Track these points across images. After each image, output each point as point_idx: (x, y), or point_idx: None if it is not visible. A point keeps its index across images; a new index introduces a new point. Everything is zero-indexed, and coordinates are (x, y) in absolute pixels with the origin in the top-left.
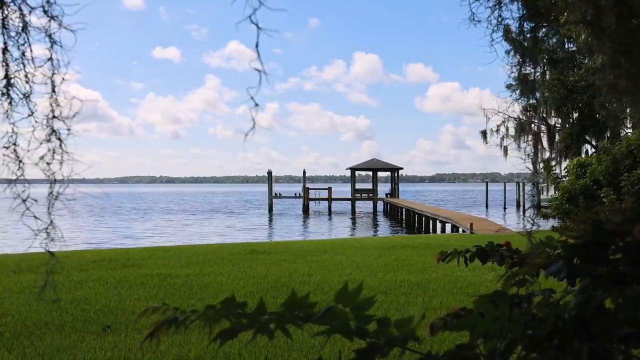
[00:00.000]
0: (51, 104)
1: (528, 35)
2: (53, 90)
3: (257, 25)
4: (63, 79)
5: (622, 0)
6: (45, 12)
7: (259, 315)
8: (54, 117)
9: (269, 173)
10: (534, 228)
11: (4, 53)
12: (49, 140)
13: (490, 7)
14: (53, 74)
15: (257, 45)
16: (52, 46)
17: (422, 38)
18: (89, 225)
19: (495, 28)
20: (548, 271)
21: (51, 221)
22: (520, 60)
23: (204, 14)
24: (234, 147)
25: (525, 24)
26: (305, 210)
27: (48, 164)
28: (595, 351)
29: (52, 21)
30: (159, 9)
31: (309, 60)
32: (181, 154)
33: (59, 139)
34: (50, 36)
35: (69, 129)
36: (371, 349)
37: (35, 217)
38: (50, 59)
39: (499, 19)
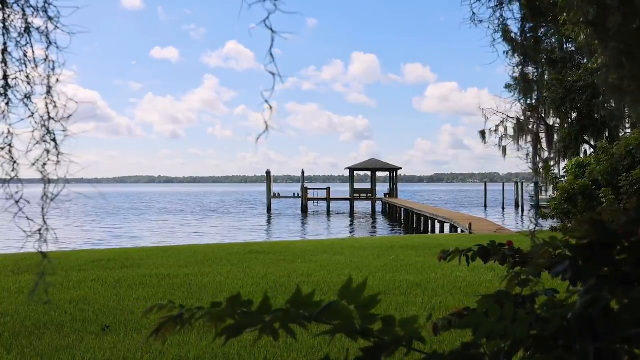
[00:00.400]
0: (47, 105)
1: (529, 35)
2: (49, 92)
3: (271, 29)
4: (57, 79)
5: (626, 0)
6: (45, 12)
7: (264, 312)
8: (49, 118)
9: (268, 173)
10: (537, 228)
11: (3, 54)
12: (44, 141)
13: (492, 8)
14: (49, 75)
15: (270, 49)
16: (48, 47)
17: (420, 38)
18: (86, 225)
19: (497, 28)
20: (554, 271)
21: (45, 222)
22: (522, 60)
23: (202, 14)
24: (233, 147)
25: (527, 24)
26: (304, 210)
27: (43, 165)
28: (601, 351)
29: (49, 22)
30: (157, 9)
31: (307, 60)
32: (180, 154)
33: (54, 140)
34: (47, 36)
35: (64, 130)
36: (378, 347)
37: (28, 219)
38: (46, 59)
39: (501, 19)
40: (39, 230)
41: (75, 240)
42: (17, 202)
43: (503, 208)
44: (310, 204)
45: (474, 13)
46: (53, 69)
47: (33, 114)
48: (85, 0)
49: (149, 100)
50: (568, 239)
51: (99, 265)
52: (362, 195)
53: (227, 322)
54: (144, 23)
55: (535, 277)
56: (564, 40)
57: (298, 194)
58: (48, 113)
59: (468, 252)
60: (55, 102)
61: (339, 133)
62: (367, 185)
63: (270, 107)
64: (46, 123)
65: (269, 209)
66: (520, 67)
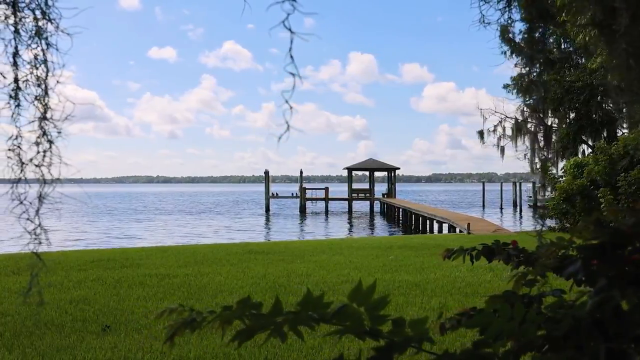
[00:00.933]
0: (43, 106)
1: (535, 35)
2: (46, 93)
3: (290, 30)
4: (58, 81)
5: (634, 2)
6: (43, 13)
7: (276, 315)
8: (44, 118)
9: (266, 173)
10: (544, 228)
11: (14, 57)
12: (39, 143)
13: (500, 10)
14: (47, 75)
15: (290, 50)
16: (47, 48)
17: (418, 38)
18: (84, 225)
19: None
20: (566, 272)
21: (39, 223)
22: (528, 62)
23: (200, 14)
24: (231, 147)
25: (531, 25)
26: (302, 210)
27: (37, 166)
28: (613, 351)
29: (49, 23)
30: (154, 9)
31: (304, 60)
32: (178, 153)
33: (50, 141)
34: (46, 38)
35: (59, 132)
36: (389, 347)
37: (29, 219)
38: (45, 61)
39: (509, 21)
40: (34, 230)
41: (75, 240)
42: (21, 202)
43: (501, 208)
44: (308, 203)
45: (483, 15)
46: (50, 70)
47: (45, 115)
48: (83, 0)
49: (147, 100)
50: (573, 239)
51: (98, 265)
52: (360, 195)
53: (235, 324)
54: (142, 23)
55: (542, 277)
56: (562, 40)
57: (296, 194)
58: (44, 114)
59: (472, 251)
60: (48, 104)
61: (337, 133)
62: (365, 185)
63: (291, 108)
64: (42, 124)
65: (267, 209)
66: (527, 68)
